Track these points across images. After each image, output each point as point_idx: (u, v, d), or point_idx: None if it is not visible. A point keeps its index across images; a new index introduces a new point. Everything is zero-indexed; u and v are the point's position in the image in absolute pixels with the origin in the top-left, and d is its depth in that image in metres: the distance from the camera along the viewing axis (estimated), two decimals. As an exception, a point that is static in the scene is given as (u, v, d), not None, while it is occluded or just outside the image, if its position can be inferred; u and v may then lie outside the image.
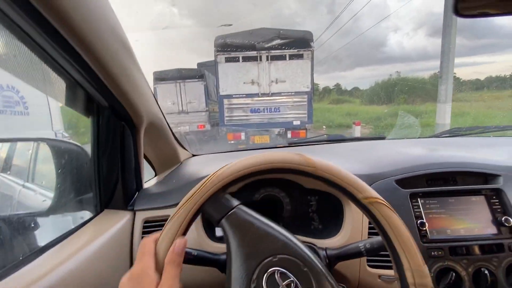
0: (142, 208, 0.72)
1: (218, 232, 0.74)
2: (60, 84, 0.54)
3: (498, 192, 0.68)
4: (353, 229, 0.67)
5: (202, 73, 7.31)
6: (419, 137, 1.26)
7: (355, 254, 0.52)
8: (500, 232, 0.64)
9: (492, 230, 0.65)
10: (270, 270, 0.38)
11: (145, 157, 0.92)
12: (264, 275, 0.37)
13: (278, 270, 0.38)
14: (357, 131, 7.05)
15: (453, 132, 1.19)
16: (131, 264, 0.66)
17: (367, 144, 1.12)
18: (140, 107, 0.67)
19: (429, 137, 1.21)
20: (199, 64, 8.85)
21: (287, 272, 0.37)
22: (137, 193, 0.77)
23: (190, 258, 0.50)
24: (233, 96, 6.27)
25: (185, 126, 7.24)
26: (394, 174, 0.71)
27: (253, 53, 6.08)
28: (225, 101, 6.32)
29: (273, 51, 6.08)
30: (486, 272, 0.59)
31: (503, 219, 0.63)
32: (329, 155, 0.98)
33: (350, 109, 16.26)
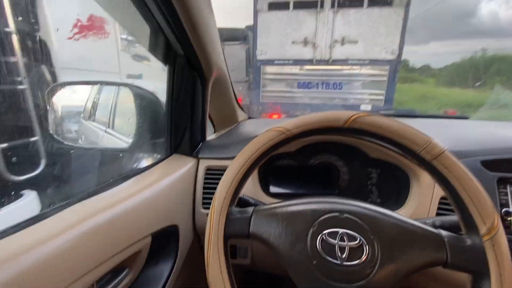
0: (206, 157, 0.76)
1: (273, 189, 0.76)
2: (145, 30, 0.61)
3: None
4: (419, 205, 0.62)
5: (246, 34, 5.47)
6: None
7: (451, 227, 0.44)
8: None
9: None
10: (334, 229, 0.37)
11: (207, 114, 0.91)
12: (326, 230, 0.37)
13: (342, 232, 0.37)
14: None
15: None
16: (194, 204, 0.73)
17: (449, 122, 1.04)
18: (212, 59, 0.70)
19: None
20: (247, 28, 7.06)
21: (354, 234, 0.37)
22: (201, 143, 0.81)
23: (250, 202, 0.51)
24: (275, 62, 4.36)
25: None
26: (481, 154, 0.62)
27: (311, -4, 3.99)
28: (264, 68, 4.47)
29: (343, -7, 3.90)
30: None
31: None
32: None
33: (424, 91, 13.41)
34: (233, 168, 0.42)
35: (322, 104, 4.41)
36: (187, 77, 0.71)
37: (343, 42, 4.05)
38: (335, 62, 4.18)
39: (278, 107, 4.65)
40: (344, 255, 0.36)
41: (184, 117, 0.75)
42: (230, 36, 5.60)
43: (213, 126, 1.07)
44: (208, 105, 0.80)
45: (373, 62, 4.02)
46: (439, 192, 0.61)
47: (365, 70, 4.10)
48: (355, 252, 0.36)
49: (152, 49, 0.65)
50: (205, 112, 0.79)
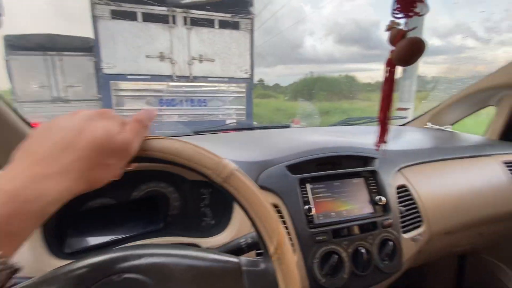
0: None
1: (72, 245, 0.56)
2: None
3: (374, 174, 0.73)
4: (242, 222, 0.61)
5: (91, 44, 4.48)
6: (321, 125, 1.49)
7: (235, 251, 0.46)
8: (375, 210, 0.68)
9: (368, 209, 0.69)
10: None
11: None
12: None
13: None
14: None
15: (347, 122, 1.33)
16: None
17: (274, 131, 1.13)
18: None
19: (329, 126, 1.34)
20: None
21: None
22: None
23: None
24: (128, 77, 3.82)
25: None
26: (286, 159, 0.69)
27: (161, 10, 3.77)
28: (116, 84, 3.81)
29: (194, 11, 3.92)
30: (363, 250, 0.62)
31: (377, 198, 0.68)
32: (233, 143, 0.92)
33: (277, 105, 16.14)
34: None
35: (191, 122, 4.24)
36: None
37: (201, 59, 4.07)
38: (196, 79, 4.13)
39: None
40: None
41: None
42: (70, 45, 4.51)
43: None
44: None
45: (231, 80, 4.27)
46: None
47: (226, 87, 4.29)
48: None
49: None
50: None
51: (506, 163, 0.91)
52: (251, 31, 4.19)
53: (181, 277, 0.33)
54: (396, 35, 0.45)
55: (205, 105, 4.24)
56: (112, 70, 3.71)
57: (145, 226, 0.61)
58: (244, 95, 4.35)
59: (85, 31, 4.48)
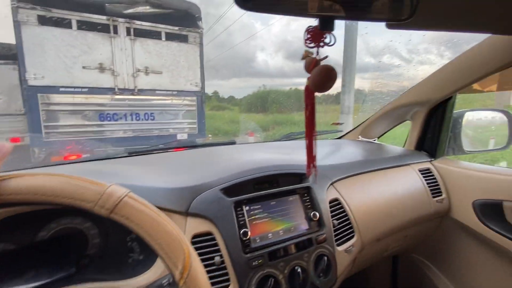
0: None
1: None
2: None
3: (309, 190, 0.74)
4: None
5: (14, 51, 3.87)
6: (264, 141, 1.43)
7: None
8: (310, 226, 0.69)
9: (304, 226, 0.69)
10: None
11: None
12: None
13: None
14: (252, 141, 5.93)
15: (289, 136, 1.37)
16: None
17: (218, 149, 1.10)
18: None
19: (272, 141, 1.36)
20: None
21: None
22: None
23: None
24: (61, 89, 3.42)
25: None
26: (221, 182, 0.67)
27: (101, 19, 3.51)
28: (45, 97, 3.37)
29: (138, 23, 3.75)
30: (299, 270, 0.62)
31: (311, 214, 0.70)
32: (163, 166, 0.85)
33: (232, 117, 16.21)
34: None
35: (136, 137, 3.95)
36: None
37: (147, 72, 3.87)
38: (142, 92, 3.91)
39: (73, 145, 3.65)
40: None
41: None
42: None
43: None
44: None
45: (181, 93, 4.14)
46: (190, 232, 0.58)
47: (175, 101, 4.14)
48: None
49: None
50: None
51: (420, 170, 1.03)
52: (200, 45, 4.17)
53: None
54: (310, 63, 0.48)
55: (153, 119, 4.01)
56: (40, 82, 3.28)
57: (51, 274, 0.51)
58: (194, 108, 4.25)
59: (7, 36, 3.92)
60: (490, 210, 0.89)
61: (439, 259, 1.11)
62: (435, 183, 1.02)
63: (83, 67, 3.49)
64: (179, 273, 0.32)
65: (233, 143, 1.25)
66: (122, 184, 0.62)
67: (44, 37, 3.25)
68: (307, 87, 0.51)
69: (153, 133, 4.06)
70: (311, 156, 0.53)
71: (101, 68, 3.58)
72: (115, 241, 0.61)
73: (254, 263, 0.60)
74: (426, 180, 1.01)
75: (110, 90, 3.69)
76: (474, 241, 0.96)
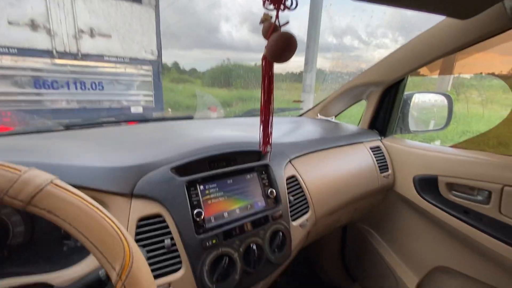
0: None
1: None
2: None
3: (267, 167, 0.73)
4: None
5: None
6: (225, 117, 1.34)
7: (95, 285, 0.37)
8: (267, 204, 0.69)
9: (262, 203, 0.69)
10: None
11: None
12: None
13: None
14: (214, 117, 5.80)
15: (251, 112, 1.32)
16: None
17: (176, 123, 1.03)
18: None
19: (234, 117, 1.30)
20: None
21: None
22: None
23: None
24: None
25: None
26: (172, 160, 0.63)
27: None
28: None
29: (80, -27, 3.19)
30: (254, 247, 0.61)
31: (269, 191, 0.69)
32: (105, 142, 0.76)
33: (194, 91, 15.49)
34: None
35: (82, 109, 3.53)
36: None
37: (92, 34, 3.39)
38: (87, 57, 3.44)
39: (8, 114, 3.16)
40: None
41: None
42: None
43: None
44: None
45: (134, 61, 3.76)
46: (135, 215, 0.53)
47: (128, 69, 3.75)
48: None
49: None
50: None
51: (371, 148, 1.09)
52: (156, 7, 3.75)
53: None
54: (268, 29, 0.43)
55: (101, 89, 3.61)
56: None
57: None
58: (150, 79, 3.91)
59: None
60: (427, 184, 0.98)
61: (382, 228, 1.23)
62: (383, 160, 1.09)
63: (9, 23, 2.91)
64: (116, 275, 0.28)
65: (190, 118, 1.17)
66: (53, 164, 0.53)
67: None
68: (264, 57, 0.46)
69: (103, 105, 3.67)
70: (266, 133, 0.50)
71: (33, 26, 3.02)
72: (44, 228, 0.53)
73: (207, 244, 0.57)
74: (375, 157, 1.07)
75: (47, 53, 3.17)
76: (412, 211, 1.07)
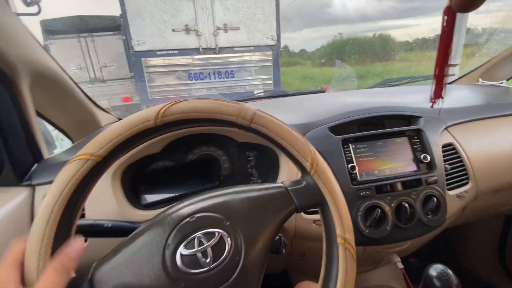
0: (43, 182, 0.61)
1: (146, 199, 0.66)
2: None
3: (419, 132, 0.73)
4: (289, 175, 0.66)
5: (119, 23, 4.58)
6: (357, 89, 1.46)
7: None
8: (419, 168, 0.70)
9: (412, 167, 0.70)
10: (189, 237, 0.34)
11: (54, 124, 0.86)
12: (182, 243, 0.33)
13: (199, 236, 0.34)
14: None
15: (386, 83, 1.30)
16: None
17: (308, 97, 1.12)
18: (7, 52, 0.55)
19: (366, 88, 1.30)
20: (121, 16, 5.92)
21: (210, 230, 0.34)
22: (35, 164, 0.66)
23: (102, 231, 0.45)
24: (158, 53, 3.90)
25: (103, 100, 4.74)
26: (328, 121, 0.72)
27: (183, -21, 3.68)
28: (146, 61, 3.93)
29: (216, -22, 3.77)
30: (406, 205, 0.64)
31: (421, 156, 0.69)
32: (270, 109, 0.90)
33: (304, 72, 15.37)
34: (53, 191, 0.30)
35: (220, 94, 4.30)
36: None
37: (226, 29, 3.99)
38: (222, 50, 4.10)
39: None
40: (209, 259, 0.33)
41: None
42: (99, 25, 4.65)
43: (69, 138, 0.93)
44: (32, 113, 0.64)
45: (257, 48, 4.16)
46: None
47: (252, 57, 4.21)
48: (219, 248, 0.34)
49: None
50: (29, 123, 0.63)
51: None
52: (276, -7, 3.96)
53: (241, 209, 0.37)
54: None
55: (232, 77, 4.24)
56: (142, 47, 3.81)
57: (203, 184, 0.69)
58: (270, 63, 4.24)
59: (110, 11, 4.59)
60: None
61: None
62: None
63: (173, 30, 3.84)
64: (309, 165, 0.38)
65: (323, 91, 1.24)
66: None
67: (141, 5, 3.66)
68: (447, 8, 0.46)
69: (233, 90, 4.32)
70: (439, 85, 0.50)
71: (187, 30, 3.87)
72: (239, 168, 0.74)
73: (361, 194, 0.64)
74: None
75: (196, 51, 4.00)
76: None
